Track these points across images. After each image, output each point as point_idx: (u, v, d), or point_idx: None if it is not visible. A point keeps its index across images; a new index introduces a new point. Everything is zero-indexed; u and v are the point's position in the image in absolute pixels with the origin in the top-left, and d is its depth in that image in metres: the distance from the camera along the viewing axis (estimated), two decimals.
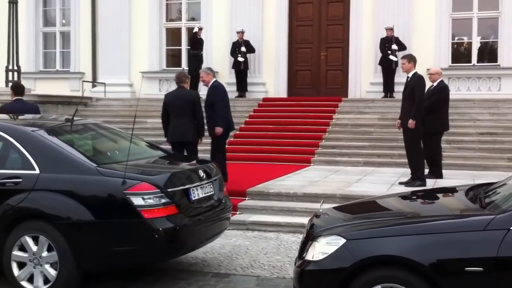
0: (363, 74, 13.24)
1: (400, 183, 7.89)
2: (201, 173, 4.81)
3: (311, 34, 13.84)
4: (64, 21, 15.69)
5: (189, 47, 13.78)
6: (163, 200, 4.24)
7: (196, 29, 13.52)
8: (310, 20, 13.85)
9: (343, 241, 3.37)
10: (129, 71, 14.68)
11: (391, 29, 12.45)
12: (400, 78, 12.72)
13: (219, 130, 7.78)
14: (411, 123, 7.68)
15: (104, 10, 14.67)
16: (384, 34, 12.56)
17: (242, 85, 13.33)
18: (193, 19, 14.74)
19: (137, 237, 4.22)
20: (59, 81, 15.17)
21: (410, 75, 7.95)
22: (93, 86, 14.83)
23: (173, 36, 15.00)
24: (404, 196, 4.47)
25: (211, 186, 4.92)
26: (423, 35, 12.83)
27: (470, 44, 13.18)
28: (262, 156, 10.52)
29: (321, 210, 4.04)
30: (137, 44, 14.60)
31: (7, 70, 12.25)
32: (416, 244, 3.25)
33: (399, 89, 12.60)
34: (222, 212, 4.98)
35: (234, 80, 13.37)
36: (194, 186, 4.63)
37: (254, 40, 13.48)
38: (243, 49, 13.24)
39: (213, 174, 5.01)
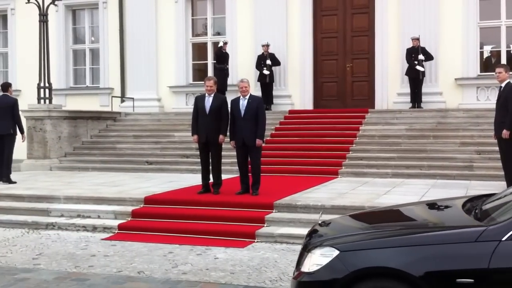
0: (389, 85, 13.16)
1: None
2: None
3: (336, 46, 13.85)
4: (93, 38, 16.04)
5: (215, 62, 13.94)
6: None
7: (221, 44, 13.67)
8: (334, 32, 13.87)
9: (336, 252, 3.44)
10: (157, 86, 14.90)
11: (417, 39, 12.36)
12: (428, 88, 12.68)
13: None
14: (505, 133, 7.65)
15: (131, 26, 14.96)
16: (410, 44, 12.47)
17: (268, 98, 13.37)
18: (218, 33, 14.91)
19: None
20: (89, 97, 15.50)
21: (503, 85, 7.91)
22: (122, 101, 15.08)
23: (199, 50, 15.20)
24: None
25: None
26: (450, 44, 12.71)
27: (499, 52, 12.98)
28: (289, 168, 10.52)
29: (320, 222, 4.17)
30: (164, 59, 14.83)
31: (39, 87, 12.57)
32: (408, 256, 3.30)
33: (426, 99, 12.58)
34: None
35: (259, 93, 13.41)
36: None
37: (279, 53, 13.56)
38: (268, 62, 13.31)
39: None
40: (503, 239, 3.20)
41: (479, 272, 3.17)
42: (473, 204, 4.06)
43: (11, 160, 10.01)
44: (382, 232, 3.74)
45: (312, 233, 4.01)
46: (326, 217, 6.87)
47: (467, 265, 3.20)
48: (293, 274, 3.77)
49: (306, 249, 3.70)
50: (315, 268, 3.48)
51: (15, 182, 9.72)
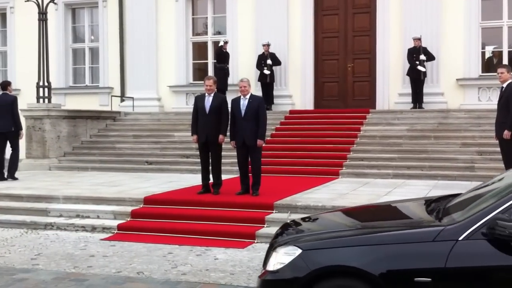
0: (391, 85, 13.10)
1: None
2: None
3: (337, 46, 13.79)
4: (92, 37, 15.98)
5: (215, 61, 13.88)
6: None
7: (221, 43, 13.60)
8: (336, 32, 13.81)
9: (299, 251, 3.48)
10: (157, 85, 14.84)
11: (419, 39, 12.30)
12: (429, 88, 12.63)
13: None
14: (506, 134, 7.61)
15: (131, 25, 14.90)
16: (411, 44, 12.42)
17: (268, 97, 13.31)
18: (219, 33, 14.85)
19: None
20: (88, 96, 15.44)
21: (504, 85, 7.88)
22: (122, 100, 15.02)
23: (199, 50, 15.14)
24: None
25: None
26: (452, 44, 12.65)
27: (500, 53, 12.92)
28: (289, 168, 10.47)
29: (289, 221, 4.25)
30: (164, 58, 14.77)
31: (38, 86, 12.51)
32: (368, 255, 3.33)
33: (428, 100, 12.53)
34: None
35: (260, 93, 13.35)
36: None
37: (280, 53, 13.50)
38: (269, 61, 13.25)
39: None
40: (460, 238, 3.24)
41: (436, 271, 3.21)
42: (437, 204, 4.11)
43: (18, 157, 10.17)
44: (346, 231, 3.78)
45: (288, 226, 4.07)
46: None
47: (424, 264, 3.23)
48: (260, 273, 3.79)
49: (272, 248, 3.74)
50: (278, 266, 3.52)
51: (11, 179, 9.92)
